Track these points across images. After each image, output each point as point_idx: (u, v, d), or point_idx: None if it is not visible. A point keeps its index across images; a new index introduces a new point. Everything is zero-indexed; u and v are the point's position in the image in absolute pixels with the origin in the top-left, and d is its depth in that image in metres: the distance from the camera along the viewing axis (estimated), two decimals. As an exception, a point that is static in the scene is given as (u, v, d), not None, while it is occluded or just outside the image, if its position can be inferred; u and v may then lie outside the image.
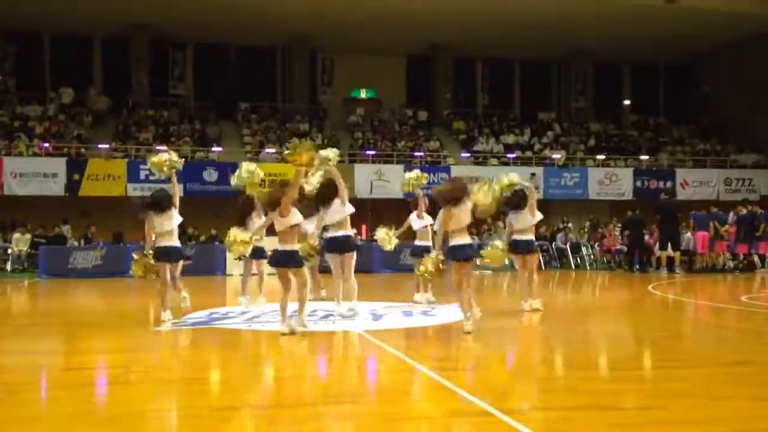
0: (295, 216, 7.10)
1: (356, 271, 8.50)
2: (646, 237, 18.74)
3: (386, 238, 9.65)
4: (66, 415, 4.29)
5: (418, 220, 9.97)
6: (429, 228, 9.83)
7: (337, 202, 7.95)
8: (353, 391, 5.08)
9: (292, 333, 7.09)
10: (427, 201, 10.02)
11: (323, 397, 4.82)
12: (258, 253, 9.26)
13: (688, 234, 18.53)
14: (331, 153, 8.52)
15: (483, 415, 4.20)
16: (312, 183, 8.72)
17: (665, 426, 3.99)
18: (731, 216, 18.34)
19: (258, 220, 9.02)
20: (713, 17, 24.74)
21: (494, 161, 25.70)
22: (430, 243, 9.56)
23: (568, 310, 10.35)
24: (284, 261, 7.11)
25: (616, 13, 24.77)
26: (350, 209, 8.03)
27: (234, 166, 22.38)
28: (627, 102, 32.55)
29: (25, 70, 27.26)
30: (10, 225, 20.45)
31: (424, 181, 10.22)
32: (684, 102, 31.60)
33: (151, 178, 21.64)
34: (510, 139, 27.74)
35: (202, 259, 17.14)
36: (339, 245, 8.26)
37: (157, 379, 5.51)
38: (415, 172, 10.19)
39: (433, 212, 9.49)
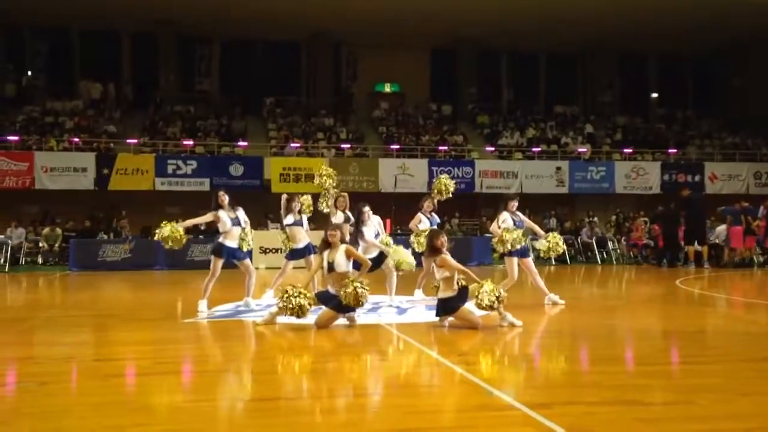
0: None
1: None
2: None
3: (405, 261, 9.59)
4: (95, 405, 4.36)
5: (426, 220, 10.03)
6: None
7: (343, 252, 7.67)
8: (377, 383, 5.09)
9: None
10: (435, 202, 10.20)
11: (348, 390, 4.84)
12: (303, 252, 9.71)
13: (721, 227, 18.25)
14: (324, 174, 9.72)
15: (507, 408, 4.19)
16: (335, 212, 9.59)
17: (692, 421, 3.95)
18: (761, 210, 18.04)
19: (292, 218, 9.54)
20: (741, 7, 24.29)
21: (519, 155, 25.54)
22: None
23: (593, 304, 10.26)
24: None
25: (642, 3, 24.43)
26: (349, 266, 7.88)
27: (259, 160, 22.94)
28: (654, 95, 32.15)
29: (55, 66, 27.68)
30: (45, 219, 20.79)
31: (452, 188, 10.40)
32: (712, 94, 31.13)
33: (179, 172, 21.92)
34: (535, 132, 27.55)
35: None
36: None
37: (184, 371, 5.57)
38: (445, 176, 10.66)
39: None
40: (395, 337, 7.09)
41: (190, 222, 8.79)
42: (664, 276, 15.04)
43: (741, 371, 5.33)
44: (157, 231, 8.49)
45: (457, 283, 7.36)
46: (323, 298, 7.41)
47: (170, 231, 8.36)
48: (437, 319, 7.46)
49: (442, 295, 7.37)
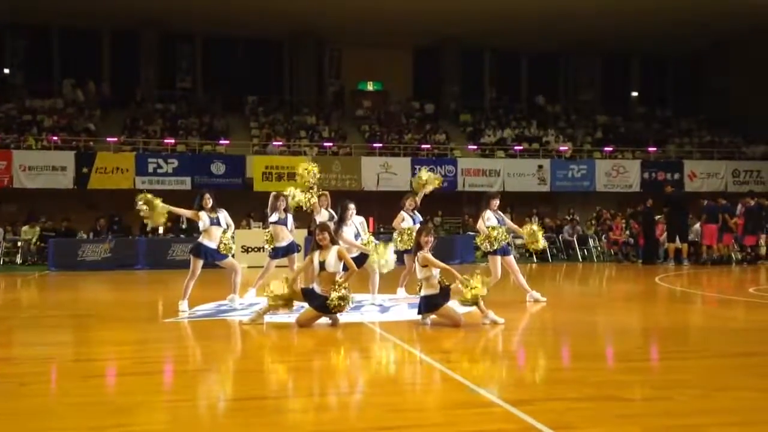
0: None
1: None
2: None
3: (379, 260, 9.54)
4: (76, 406, 4.33)
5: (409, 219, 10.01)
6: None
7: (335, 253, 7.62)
8: (360, 382, 5.10)
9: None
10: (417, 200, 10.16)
11: (330, 388, 4.84)
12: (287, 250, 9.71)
13: (696, 225, 18.46)
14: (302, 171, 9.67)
15: (489, 405, 4.21)
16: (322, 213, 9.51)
17: (671, 417, 4.00)
18: (739, 208, 18.27)
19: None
20: (723, 7, 24.56)
21: (501, 153, 25.65)
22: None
23: (574, 301, 10.34)
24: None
25: (624, 4, 24.62)
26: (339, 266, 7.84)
27: (241, 159, 22.83)
28: (635, 94, 32.41)
29: (34, 64, 27.37)
30: (30, 219, 20.56)
31: (437, 183, 10.32)
32: (692, 94, 31.44)
33: (159, 171, 21.77)
34: (517, 131, 27.68)
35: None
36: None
37: (166, 371, 5.55)
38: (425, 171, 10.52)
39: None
40: (378, 335, 7.10)
41: (173, 207, 8.75)
42: (643, 273, 15.18)
43: (719, 367, 5.40)
44: (140, 197, 8.52)
45: (439, 281, 7.39)
46: (308, 295, 7.40)
47: (153, 197, 8.45)
48: (419, 317, 7.48)
49: (424, 292, 7.39)
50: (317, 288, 7.40)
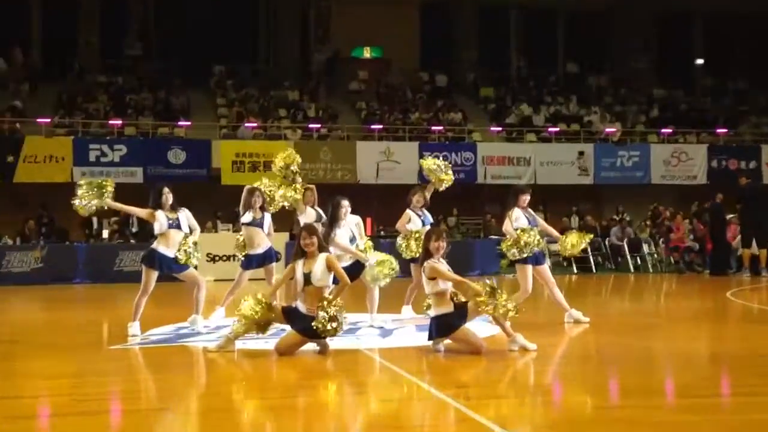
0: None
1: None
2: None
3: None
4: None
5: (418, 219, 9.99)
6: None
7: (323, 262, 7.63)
8: (355, 424, 5.09)
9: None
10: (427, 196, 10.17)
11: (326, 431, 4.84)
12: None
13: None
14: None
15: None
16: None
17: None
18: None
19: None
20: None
21: (532, 137, 25.64)
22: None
23: (624, 322, 10.33)
24: None
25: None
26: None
27: (206, 145, 22.77)
28: (699, 61, 32.37)
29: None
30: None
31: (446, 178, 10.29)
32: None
33: (103, 160, 21.76)
34: (552, 108, 27.67)
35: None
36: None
37: (112, 410, 5.54)
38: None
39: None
40: (378, 365, 7.09)
41: (120, 205, 8.72)
42: (711, 286, 15.15)
43: (808, 404, 5.39)
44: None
45: (452, 297, 7.37)
46: (290, 315, 7.39)
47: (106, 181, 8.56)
48: (430, 342, 7.47)
49: (435, 312, 7.38)
50: (301, 306, 7.39)
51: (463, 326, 7.29)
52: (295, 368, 6.85)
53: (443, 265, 7.44)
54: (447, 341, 7.42)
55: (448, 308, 7.32)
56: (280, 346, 7.33)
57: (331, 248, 8.24)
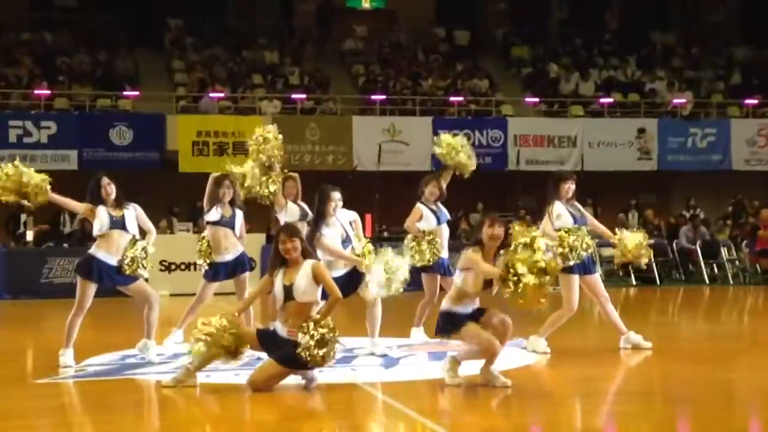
0: None
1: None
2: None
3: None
4: None
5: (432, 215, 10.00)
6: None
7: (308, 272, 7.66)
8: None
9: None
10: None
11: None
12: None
13: None
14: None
15: None
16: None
17: None
18: None
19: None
20: None
21: (578, 110, 25.61)
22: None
23: (697, 349, 10.34)
24: None
25: None
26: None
27: (159, 120, 22.83)
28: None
29: None
30: None
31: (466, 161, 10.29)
32: None
33: (27, 141, 21.78)
34: (603, 74, 27.65)
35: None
36: None
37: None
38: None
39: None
40: (380, 403, 7.10)
41: (55, 196, 8.64)
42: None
43: None
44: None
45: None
46: (267, 340, 7.38)
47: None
48: (439, 340, 7.49)
49: (446, 306, 7.39)
50: (281, 328, 7.39)
51: (470, 323, 7.28)
52: (274, 408, 6.86)
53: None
54: (460, 347, 7.41)
55: (464, 309, 7.33)
56: (254, 380, 7.33)
57: (319, 253, 8.23)
